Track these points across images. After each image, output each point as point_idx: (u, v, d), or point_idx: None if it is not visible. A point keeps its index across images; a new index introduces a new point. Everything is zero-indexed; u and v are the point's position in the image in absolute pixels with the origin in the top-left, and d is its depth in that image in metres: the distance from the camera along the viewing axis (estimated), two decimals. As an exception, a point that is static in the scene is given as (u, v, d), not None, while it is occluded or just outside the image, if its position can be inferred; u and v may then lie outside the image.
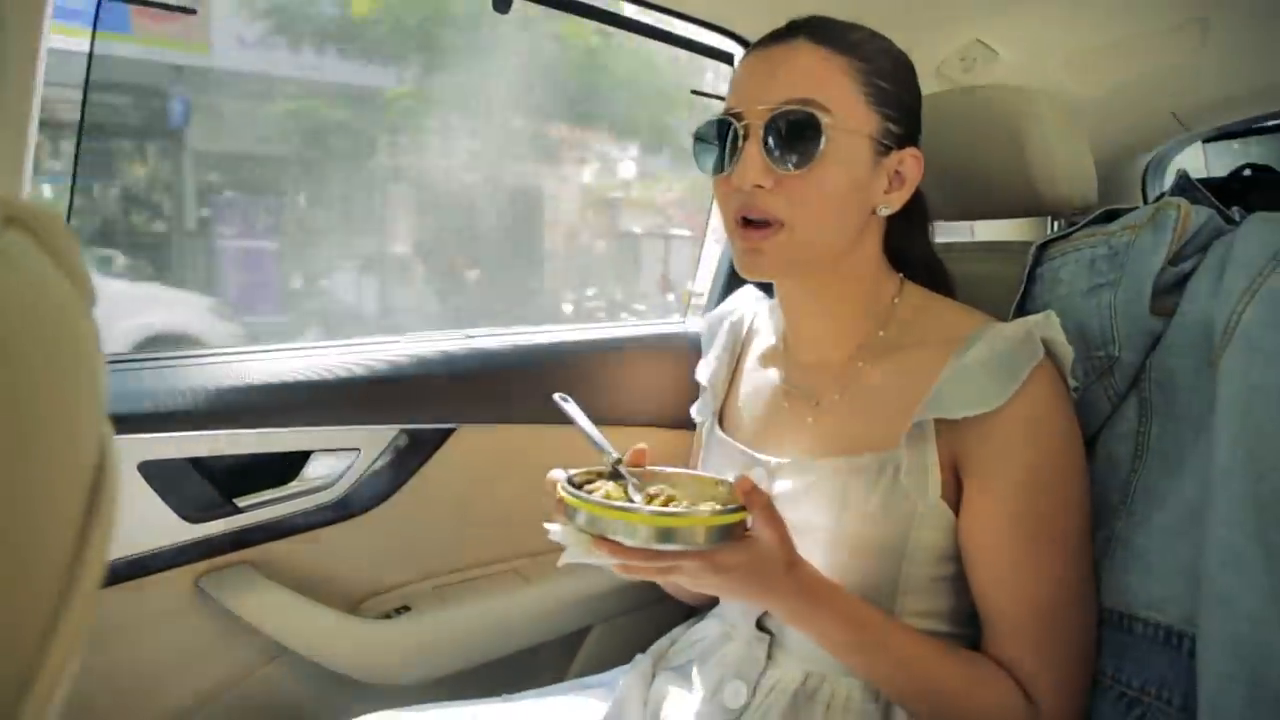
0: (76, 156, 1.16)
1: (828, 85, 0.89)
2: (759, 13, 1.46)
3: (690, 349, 1.38)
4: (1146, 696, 0.86)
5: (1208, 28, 1.44)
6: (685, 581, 0.83)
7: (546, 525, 0.85)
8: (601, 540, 0.78)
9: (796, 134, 0.88)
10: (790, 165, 0.88)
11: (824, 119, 0.87)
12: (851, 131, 0.90)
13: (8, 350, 0.35)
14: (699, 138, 0.96)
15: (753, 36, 1.53)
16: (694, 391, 1.24)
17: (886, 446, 0.91)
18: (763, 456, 1.01)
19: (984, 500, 0.87)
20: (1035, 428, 0.86)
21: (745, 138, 0.90)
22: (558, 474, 0.87)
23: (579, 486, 0.87)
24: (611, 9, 1.45)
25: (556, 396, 1.00)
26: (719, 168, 0.94)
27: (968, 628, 0.93)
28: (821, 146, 0.87)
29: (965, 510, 0.89)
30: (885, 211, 0.95)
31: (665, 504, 0.84)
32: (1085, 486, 0.90)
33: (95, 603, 0.41)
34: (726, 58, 1.60)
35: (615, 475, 0.92)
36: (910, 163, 0.95)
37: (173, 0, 1.10)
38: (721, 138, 0.93)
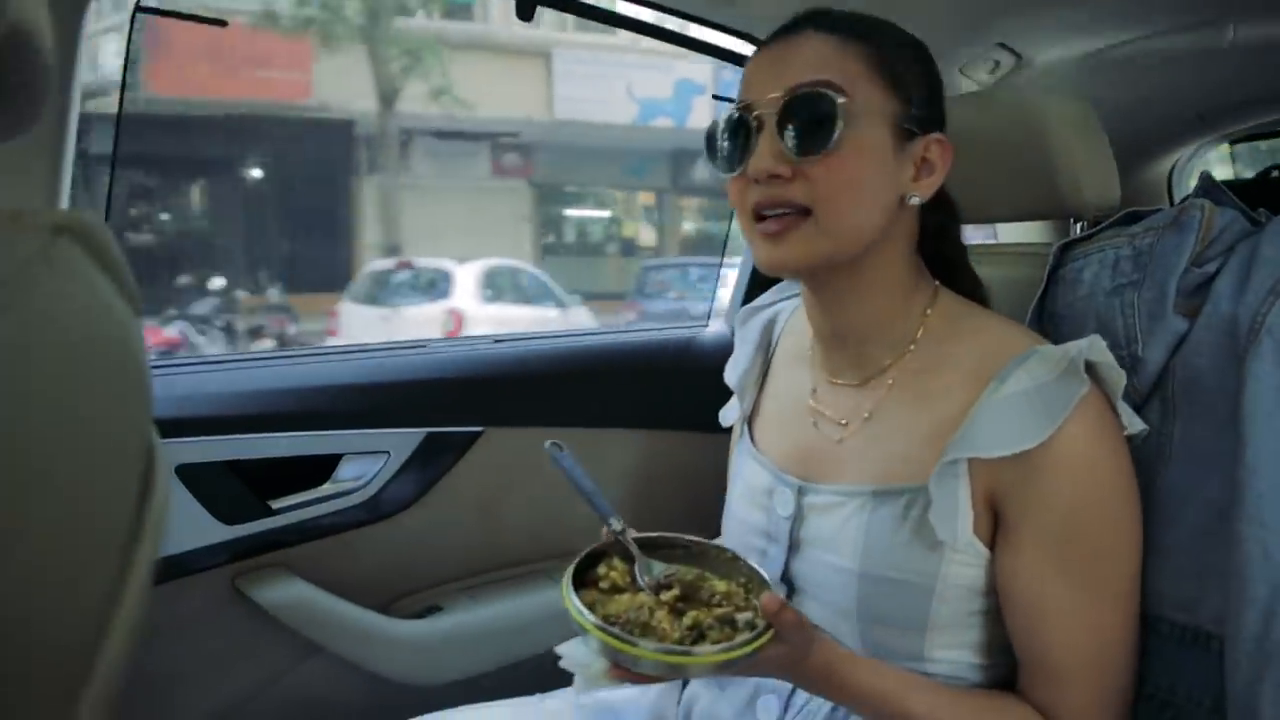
0: (113, 170, 1.19)
1: (841, 69, 0.85)
2: (774, 15, 1.47)
3: (714, 350, 1.39)
4: (1177, 699, 0.86)
5: (1230, 30, 1.44)
6: None
7: (558, 650, 0.84)
8: (616, 669, 0.77)
9: (812, 118, 0.83)
10: (808, 151, 0.83)
11: (840, 99, 0.82)
12: (871, 114, 0.85)
13: (64, 355, 0.37)
14: (710, 138, 0.92)
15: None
16: (719, 393, 1.20)
17: (916, 479, 0.86)
18: (789, 478, 0.97)
19: (1023, 542, 0.82)
20: (1079, 465, 0.80)
21: (758, 130, 0.86)
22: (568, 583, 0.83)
23: (584, 570, 0.85)
24: (629, 13, 1.47)
25: (548, 445, 0.95)
26: (732, 165, 0.89)
27: (998, 658, 0.89)
28: (839, 129, 0.82)
29: (1002, 550, 0.84)
30: (916, 200, 0.89)
31: (676, 601, 0.81)
32: (1137, 525, 0.85)
33: (147, 599, 0.43)
34: (741, 60, 1.61)
35: (621, 546, 0.88)
36: (936, 149, 0.89)
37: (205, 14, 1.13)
38: (734, 135, 0.89)
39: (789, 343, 1.10)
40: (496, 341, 1.53)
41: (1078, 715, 0.83)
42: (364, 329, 8.41)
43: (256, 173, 11.05)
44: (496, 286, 9.06)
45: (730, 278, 1.78)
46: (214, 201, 10.99)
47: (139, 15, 1.08)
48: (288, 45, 10.31)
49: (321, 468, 1.34)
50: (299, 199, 11.11)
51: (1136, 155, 1.93)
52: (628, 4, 1.45)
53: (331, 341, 8.08)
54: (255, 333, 9.24)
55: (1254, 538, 0.78)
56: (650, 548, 0.88)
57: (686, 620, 0.78)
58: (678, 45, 1.57)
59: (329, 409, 1.31)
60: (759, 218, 0.87)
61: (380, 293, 9.20)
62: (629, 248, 13.83)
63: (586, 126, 12.08)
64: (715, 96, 1.57)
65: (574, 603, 0.78)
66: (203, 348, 7.94)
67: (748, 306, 1.21)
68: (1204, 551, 0.86)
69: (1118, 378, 0.83)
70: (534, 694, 1.13)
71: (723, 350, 1.30)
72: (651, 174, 13.42)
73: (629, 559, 0.85)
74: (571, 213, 13.74)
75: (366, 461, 1.36)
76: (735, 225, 0.97)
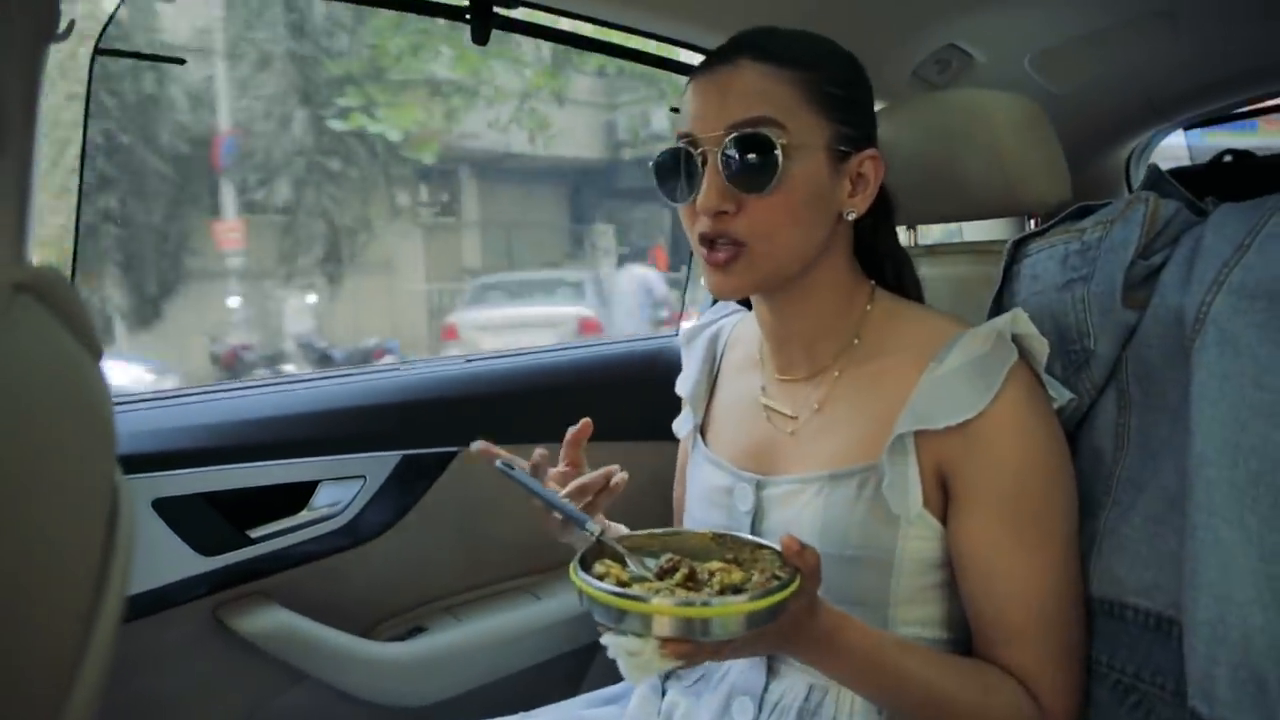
0: (78, 213, 1.19)
1: (777, 101, 0.89)
2: (730, 27, 1.48)
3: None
4: (1141, 683, 0.88)
5: (1174, 19, 1.47)
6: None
7: (604, 641, 0.78)
8: (669, 645, 0.72)
9: (753, 155, 0.87)
10: (751, 188, 0.88)
11: (778, 137, 0.87)
12: (807, 145, 0.89)
13: (22, 406, 0.38)
14: (658, 166, 0.96)
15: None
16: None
17: (868, 459, 0.91)
18: (747, 474, 1.01)
19: (972, 507, 0.87)
20: (1016, 430, 0.86)
21: (704, 164, 0.90)
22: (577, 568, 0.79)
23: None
24: (587, 33, 1.48)
25: (498, 464, 0.96)
26: (681, 195, 0.94)
27: (959, 632, 0.93)
28: (779, 165, 0.87)
29: (954, 518, 0.89)
30: (852, 215, 0.95)
31: (687, 578, 0.79)
32: (1071, 484, 0.91)
33: (117, 634, 0.44)
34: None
35: (602, 548, 0.87)
36: (870, 164, 0.95)
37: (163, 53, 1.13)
38: (679, 165, 0.93)
39: (735, 353, 1.15)
40: (468, 361, 1.53)
41: (1036, 670, 0.86)
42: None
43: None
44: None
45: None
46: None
47: (97, 58, 1.09)
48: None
49: (298, 495, 1.34)
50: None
51: (1091, 146, 1.96)
52: (593, 27, 1.46)
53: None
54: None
55: (1205, 524, 0.80)
56: (627, 547, 0.88)
57: (715, 588, 0.77)
58: (634, 62, 1.59)
59: (303, 436, 1.31)
60: (705, 242, 0.92)
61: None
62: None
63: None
64: (674, 109, 1.58)
65: (636, 594, 0.74)
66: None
67: (692, 326, 1.26)
68: (1160, 539, 0.88)
69: (1041, 347, 0.90)
70: (517, 712, 1.14)
71: (691, 360, 1.32)
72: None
73: (619, 559, 0.85)
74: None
75: (343, 487, 1.36)
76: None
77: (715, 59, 0.94)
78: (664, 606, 0.71)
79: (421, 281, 10.25)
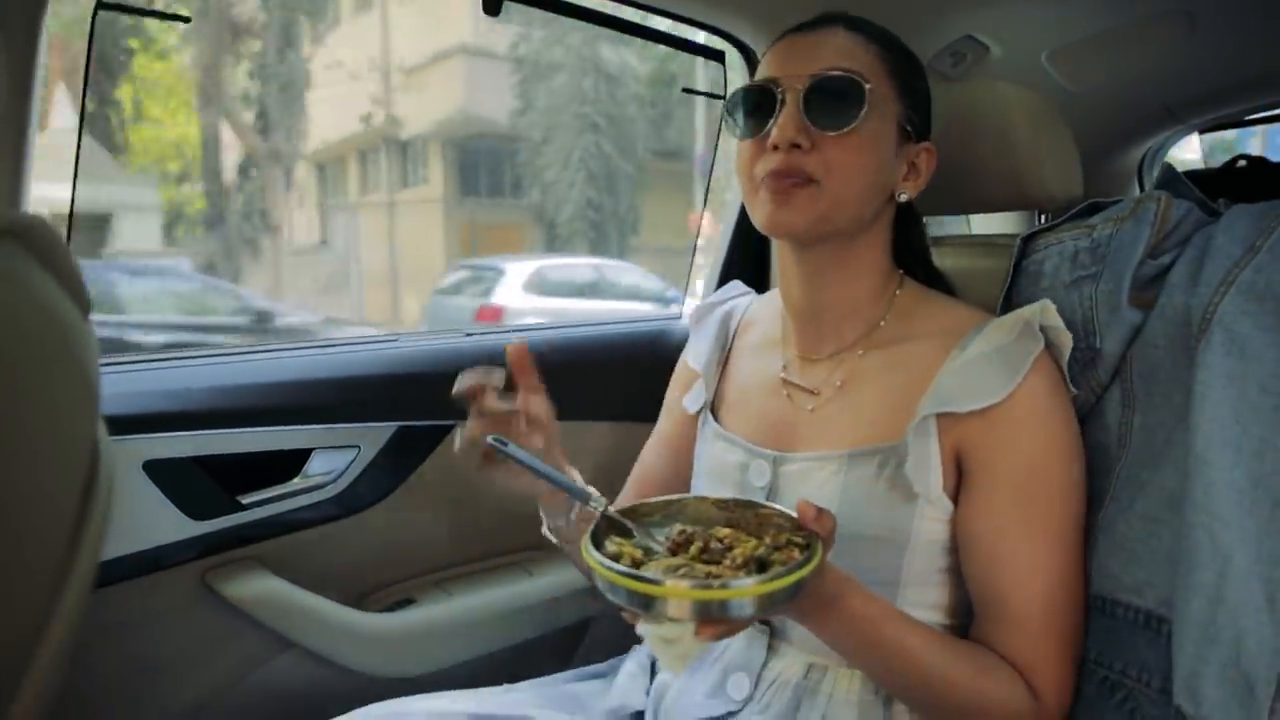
0: (76, 168, 1.17)
1: (864, 64, 0.93)
2: (752, 12, 1.47)
3: (686, 342, 1.40)
4: (1128, 680, 0.88)
5: (1194, 19, 1.45)
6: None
7: (639, 630, 0.75)
8: (705, 626, 0.70)
9: (839, 98, 0.91)
10: (831, 127, 0.91)
11: (867, 86, 0.91)
12: (885, 108, 0.94)
13: (4, 360, 0.37)
14: (731, 104, 0.98)
15: (745, 35, 1.55)
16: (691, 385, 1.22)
17: (888, 439, 0.92)
18: (763, 450, 1.01)
19: (984, 489, 0.89)
20: (1037, 417, 0.88)
21: (783, 102, 0.92)
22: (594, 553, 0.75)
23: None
24: (603, 9, 1.47)
25: (490, 439, 0.91)
26: (751, 132, 0.96)
27: (965, 619, 0.94)
28: (863, 111, 0.90)
29: (966, 499, 0.90)
30: (903, 198, 0.99)
31: (703, 550, 0.77)
32: (1083, 479, 0.92)
33: (89, 597, 0.43)
34: (718, 56, 1.62)
35: (610, 521, 0.84)
36: (925, 155, 1.00)
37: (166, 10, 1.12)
38: (757, 104, 0.95)
39: (750, 334, 1.16)
40: (467, 335, 1.53)
41: (1034, 659, 0.87)
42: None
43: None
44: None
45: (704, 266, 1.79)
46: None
47: (99, 13, 1.07)
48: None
49: (292, 462, 1.34)
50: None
51: (1105, 145, 1.95)
52: (611, 3, 1.45)
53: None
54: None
55: (1202, 525, 0.80)
56: (633, 519, 0.85)
57: (737, 560, 0.75)
58: (652, 41, 1.58)
59: (299, 403, 1.31)
60: (770, 181, 0.93)
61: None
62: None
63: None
64: (685, 90, 1.57)
65: (653, 577, 0.70)
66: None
67: (702, 303, 1.27)
68: (1156, 538, 0.88)
69: (1066, 340, 0.92)
70: (504, 685, 1.14)
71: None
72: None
73: (625, 533, 0.83)
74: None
75: (337, 456, 1.36)
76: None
77: (807, 25, 0.98)
78: (700, 592, 0.68)
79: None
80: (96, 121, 10.15)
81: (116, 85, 10.73)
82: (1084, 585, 0.92)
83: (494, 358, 1.49)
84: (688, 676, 1.03)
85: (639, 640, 1.16)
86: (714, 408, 1.13)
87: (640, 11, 1.45)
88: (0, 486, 0.36)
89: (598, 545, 0.77)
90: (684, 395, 1.18)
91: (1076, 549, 0.90)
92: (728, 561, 0.75)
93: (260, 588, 1.27)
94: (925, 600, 0.93)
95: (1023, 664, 0.87)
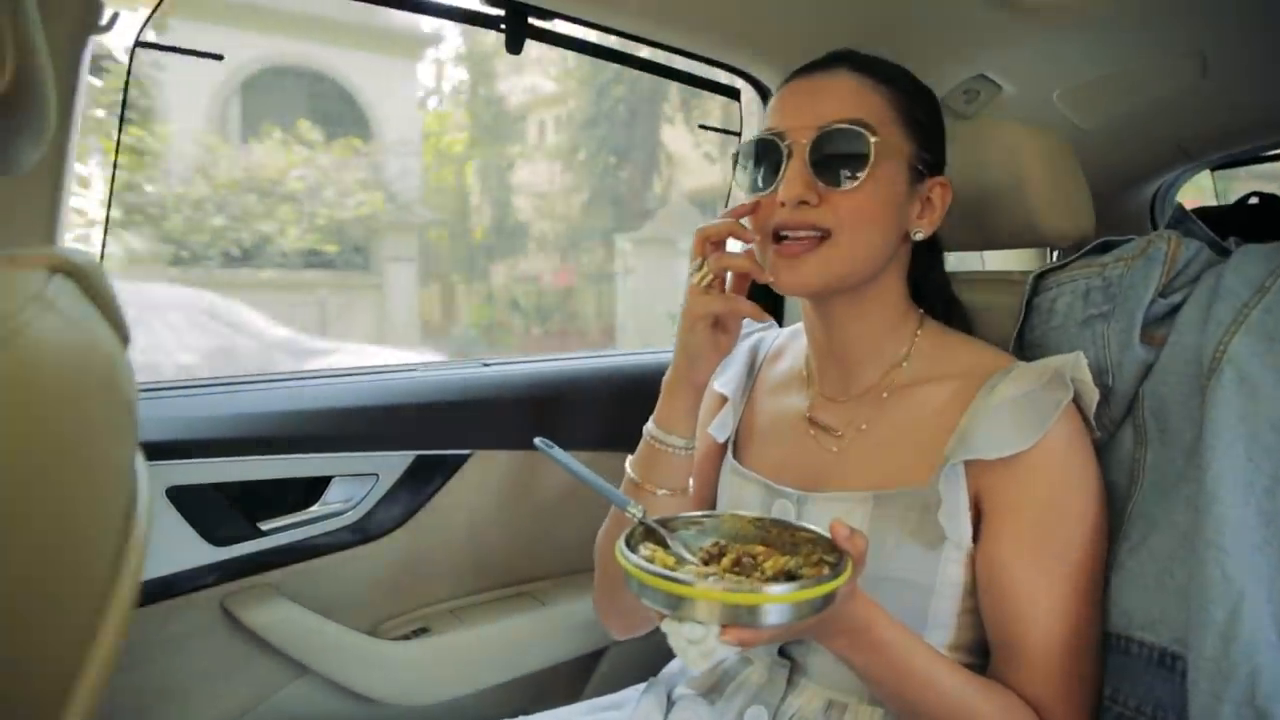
0: (109, 202, 1.21)
1: (870, 109, 0.93)
2: (767, 50, 1.50)
3: None
4: (1143, 717, 0.88)
5: (1205, 60, 1.47)
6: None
7: (664, 628, 0.75)
8: (729, 630, 0.70)
9: (845, 151, 0.91)
10: (838, 182, 0.91)
11: (872, 138, 0.90)
12: (893, 154, 0.93)
13: (56, 389, 0.39)
14: (740, 157, 0.99)
15: (760, 74, 1.58)
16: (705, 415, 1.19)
17: (914, 482, 0.92)
18: (787, 489, 1.01)
19: (1005, 534, 0.88)
20: (1060, 466, 0.88)
21: (790, 155, 0.92)
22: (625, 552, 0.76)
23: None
24: (622, 48, 1.50)
25: (537, 441, 0.96)
26: (761, 185, 0.96)
27: (984, 658, 0.93)
28: (870, 163, 0.90)
29: (985, 543, 0.90)
30: (918, 236, 0.98)
31: (735, 564, 0.78)
32: (1104, 526, 0.92)
33: (129, 620, 0.45)
34: (733, 94, 1.65)
35: (650, 532, 0.84)
36: (939, 190, 0.99)
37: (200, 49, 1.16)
38: (764, 156, 0.95)
39: (775, 367, 1.15)
40: (485, 365, 1.55)
41: (1049, 700, 0.86)
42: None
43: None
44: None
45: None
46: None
47: (137, 49, 1.11)
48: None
49: (311, 490, 1.36)
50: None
51: (1117, 183, 1.96)
52: (619, 39, 1.48)
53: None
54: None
55: (1214, 561, 0.80)
56: (668, 530, 0.86)
57: (767, 573, 0.76)
58: (668, 79, 1.60)
59: (318, 432, 1.32)
60: (777, 239, 0.94)
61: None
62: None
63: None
64: (701, 126, 1.59)
65: (680, 577, 0.71)
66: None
67: None
68: (1169, 574, 0.88)
69: (1093, 393, 0.91)
70: (518, 716, 1.14)
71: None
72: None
73: (661, 542, 0.83)
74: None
75: (355, 484, 1.38)
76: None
77: (812, 67, 0.98)
78: (730, 595, 0.69)
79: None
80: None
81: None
82: (1100, 630, 0.91)
83: (512, 388, 1.52)
84: (704, 710, 1.02)
85: (654, 672, 1.17)
86: (734, 441, 1.13)
87: (658, 50, 1.48)
88: (54, 504, 0.38)
89: (632, 551, 0.78)
90: (709, 420, 1.16)
91: (1095, 592, 0.90)
92: (758, 575, 0.76)
93: (277, 614, 1.29)
94: (951, 641, 0.93)
95: (1041, 704, 0.86)
